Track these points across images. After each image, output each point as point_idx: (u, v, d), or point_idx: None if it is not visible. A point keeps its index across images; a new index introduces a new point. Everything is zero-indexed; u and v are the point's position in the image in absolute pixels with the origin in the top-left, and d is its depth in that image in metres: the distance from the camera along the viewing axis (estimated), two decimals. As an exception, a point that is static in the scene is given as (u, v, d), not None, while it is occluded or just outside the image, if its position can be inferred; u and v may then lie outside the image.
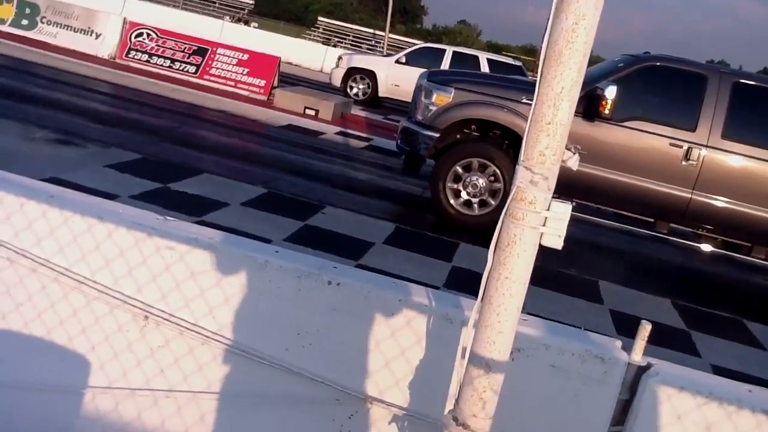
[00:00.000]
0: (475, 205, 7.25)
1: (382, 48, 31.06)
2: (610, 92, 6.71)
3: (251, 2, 43.20)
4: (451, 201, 7.26)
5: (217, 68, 14.08)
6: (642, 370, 2.27)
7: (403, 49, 28.36)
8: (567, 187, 7.16)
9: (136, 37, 14.36)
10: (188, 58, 14.19)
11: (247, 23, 33.33)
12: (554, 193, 6.54)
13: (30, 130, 7.49)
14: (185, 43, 14.30)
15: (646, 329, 2.27)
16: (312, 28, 41.64)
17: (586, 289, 6.42)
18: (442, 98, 7.34)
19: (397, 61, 17.72)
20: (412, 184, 8.90)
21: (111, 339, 2.45)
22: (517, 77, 11.63)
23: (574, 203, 7.38)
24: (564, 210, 1.67)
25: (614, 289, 6.59)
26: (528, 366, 2.26)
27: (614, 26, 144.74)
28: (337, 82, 17.99)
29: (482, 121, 7.22)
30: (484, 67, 17.30)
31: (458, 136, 7.41)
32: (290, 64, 23.62)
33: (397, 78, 17.28)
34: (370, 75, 17.85)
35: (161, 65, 14.17)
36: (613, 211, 7.68)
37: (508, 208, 1.68)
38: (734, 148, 6.96)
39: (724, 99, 6.98)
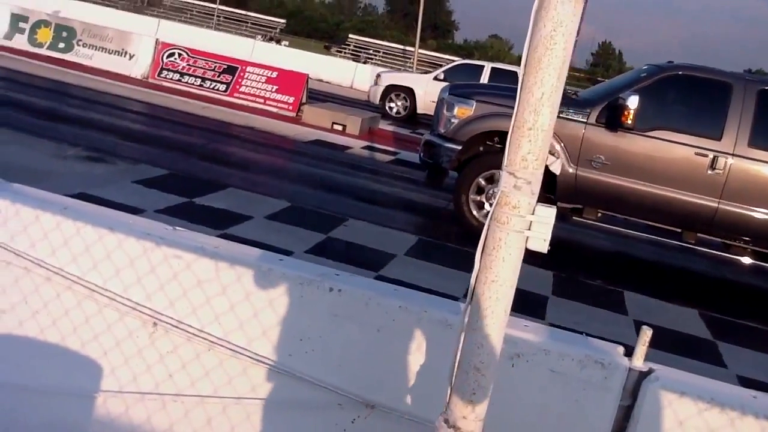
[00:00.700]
0: None
1: (412, 64, 31.21)
2: (633, 102, 6.67)
3: (283, 21, 43.97)
4: (474, 213, 7.27)
5: (247, 86, 14.31)
6: (643, 375, 2.26)
7: (434, 64, 28.53)
8: (593, 197, 7.19)
9: (167, 57, 14.68)
10: (218, 76, 14.46)
11: (278, 42, 33.81)
12: (580, 204, 6.57)
13: (63, 148, 7.72)
14: (215, 62, 14.57)
15: (647, 334, 2.27)
16: (343, 45, 42.09)
17: (610, 300, 6.37)
18: (463, 111, 7.38)
19: (435, 78, 17.81)
20: (437, 197, 8.92)
21: (122, 345, 2.52)
22: None
23: (572, 212, 7.36)
24: (548, 214, 1.69)
25: (640, 299, 6.51)
26: (528, 371, 2.27)
27: (645, 35, 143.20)
28: (375, 99, 18.23)
29: (504, 133, 7.22)
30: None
31: (481, 149, 7.42)
32: (321, 81, 23.89)
33: (435, 95, 17.26)
34: (408, 92, 18.05)
35: (192, 84, 14.46)
36: (639, 221, 7.60)
37: (493, 212, 1.71)
38: (761, 156, 6.85)
39: (749, 107, 6.88)
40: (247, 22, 42.61)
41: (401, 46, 39.86)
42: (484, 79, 17.34)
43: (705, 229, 7.15)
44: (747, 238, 7.13)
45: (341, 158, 10.90)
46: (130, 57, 15.00)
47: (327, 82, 24.47)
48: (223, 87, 14.37)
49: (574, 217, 7.38)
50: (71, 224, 2.53)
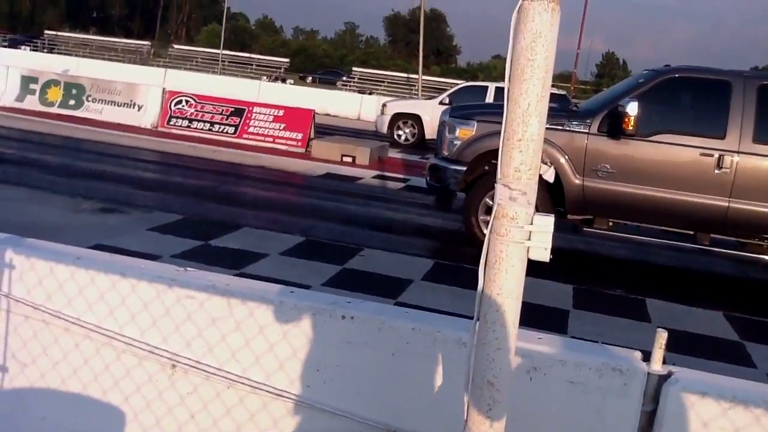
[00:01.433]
0: None
1: (417, 91, 31.43)
2: (632, 108, 6.68)
3: (287, 61, 44.55)
4: (485, 231, 7.25)
5: (255, 126, 14.48)
6: (663, 379, 2.24)
7: (438, 89, 28.71)
8: (602, 207, 7.17)
9: (175, 104, 14.92)
10: (226, 119, 14.65)
11: (283, 81, 34.28)
12: (590, 215, 6.55)
13: (77, 202, 7.84)
14: (222, 106, 14.79)
15: (662, 337, 2.25)
16: (347, 78, 42.53)
17: (633, 309, 6.30)
18: (465, 132, 7.43)
19: (441, 103, 17.94)
20: (450, 220, 8.93)
21: (142, 389, 2.55)
22: None
23: (576, 220, 7.32)
24: (547, 223, 1.70)
25: (662, 305, 6.44)
26: (546, 384, 2.26)
27: (656, 43, 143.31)
28: (383, 128, 18.38)
29: None
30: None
31: (486, 168, 7.45)
32: (328, 115, 24.13)
33: None
34: (415, 119, 18.19)
35: (201, 129, 14.66)
36: (653, 228, 7.55)
37: (492, 225, 1.73)
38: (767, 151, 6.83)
39: (751, 103, 6.87)
40: (252, 65, 43.21)
41: (405, 74, 40.23)
42: (489, 98, 17.43)
43: (718, 229, 7.09)
44: (762, 234, 7.05)
45: (353, 189, 10.96)
46: (139, 108, 15.26)
47: (334, 116, 24.70)
48: (231, 129, 14.55)
49: (585, 228, 7.35)
50: (85, 273, 2.57)
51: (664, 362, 2.29)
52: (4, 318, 2.69)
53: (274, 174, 11.80)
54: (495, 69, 73.58)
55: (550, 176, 6.98)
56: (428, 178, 8.00)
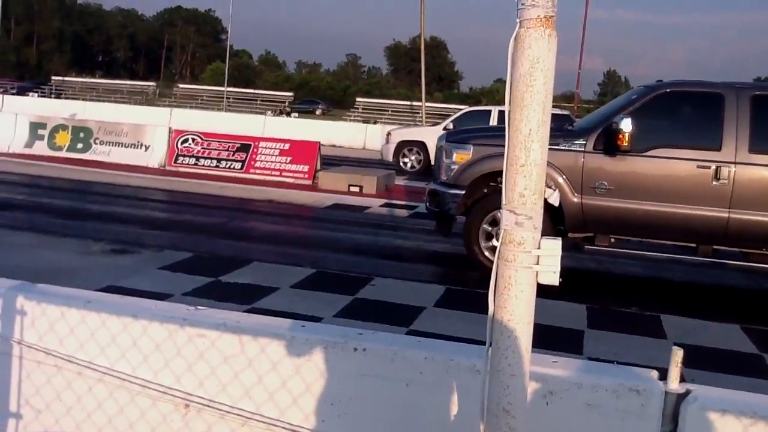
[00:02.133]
0: None
1: (421, 118, 31.63)
2: (626, 125, 6.72)
3: (290, 95, 45.08)
4: (487, 254, 7.27)
5: (262, 161, 14.59)
6: (681, 397, 2.21)
7: (442, 116, 28.89)
8: (602, 224, 7.15)
9: (182, 143, 15.06)
10: (233, 155, 14.77)
11: (288, 114, 34.59)
12: (591, 232, 6.52)
13: (88, 244, 7.88)
14: (228, 142, 14.92)
15: (678, 354, 2.22)
16: (351, 109, 42.88)
17: (648, 326, 6.25)
18: (462, 156, 7.48)
19: (445, 128, 18.03)
20: (459, 245, 8.90)
21: (157, 431, 2.53)
22: None
23: (582, 241, 7.30)
24: (554, 246, 1.70)
25: (678, 321, 6.38)
26: (562, 408, 2.24)
27: (657, 60, 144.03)
28: (389, 157, 18.48)
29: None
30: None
31: (485, 190, 7.47)
32: (334, 146, 24.29)
33: None
34: (420, 146, 18.28)
35: (209, 166, 14.77)
36: (664, 243, 7.51)
37: (499, 251, 1.73)
38: (764, 160, 6.83)
39: (744, 114, 6.89)
40: (257, 100, 43.69)
41: (408, 102, 40.54)
42: (493, 121, 17.54)
43: (720, 240, 7.06)
44: (765, 244, 7.01)
45: (361, 219, 10.98)
46: (146, 148, 15.40)
47: (340, 147, 24.87)
48: (238, 165, 14.66)
49: (587, 246, 7.33)
50: (96, 317, 2.58)
51: (683, 379, 2.26)
52: (17, 365, 2.69)
53: (283, 207, 11.84)
54: (498, 93, 74.00)
55: (555, 200, 6.98)
56: (427, 204, 8.04)
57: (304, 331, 2.47)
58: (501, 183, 6.37)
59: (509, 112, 1.68)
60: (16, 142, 16.16)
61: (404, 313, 6.05)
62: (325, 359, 2.40)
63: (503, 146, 1.72)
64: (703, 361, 5.32)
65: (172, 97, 47.25)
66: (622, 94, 8.57)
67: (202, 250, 7.98)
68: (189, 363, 2.51)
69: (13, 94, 40.86)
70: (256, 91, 47.88)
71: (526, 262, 1.69)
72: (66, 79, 55.25)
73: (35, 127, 16.33)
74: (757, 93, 7.03)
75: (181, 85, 53.04)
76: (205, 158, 14.85)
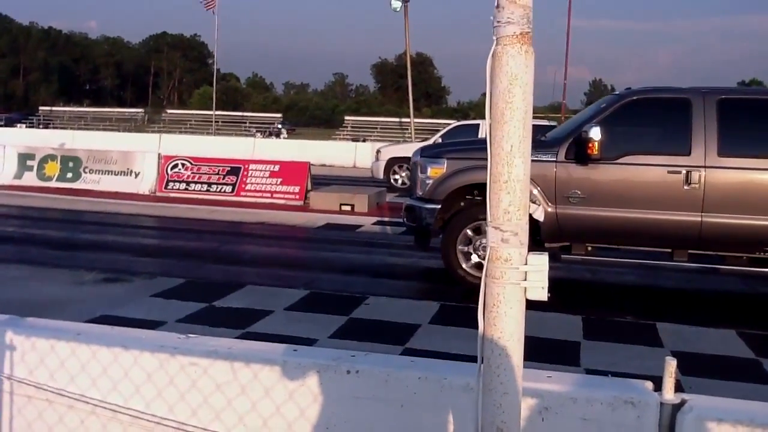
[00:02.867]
0: None
1: (410, 134, 31.73)
2: (595, 133, 6.78)
3: (279, 116, 45.19)
4: (465, 267, 7.33)
5: (252, 183, 14.58)
6: (677, 408, 2.20)
7: (431, 131, 28.98)
8: (577, 233, 7.18)
9: (171, 168, 15.05)
10: (223, 179, 14.76)
11: (277, 135, 34.66)
12: (567, 242, 6.53)
13: (79, 274, 7.82)
14: (218, 166, 14.92)
15: (672, 365, 2.22)
16: (340, 128, 43.01)
17: (644, 335, 6.23)
18: (436, 170, 7.54)
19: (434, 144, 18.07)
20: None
21: (151, 462, 2.50)
22: None
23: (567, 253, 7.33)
24: (541, 261, 1.70)
25: (674, 329, 6.37)
26: (558, 423, 2.23)
27: (641, 69, 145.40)
28: (379, 174, 18.49)
29: (479, 184, 7.30)
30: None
31: (462, 204, 7.50)
32: (324, 165, 24.31)
33: None
34: (410, 162, 18.26)
35: (199, 190, 14.76)
36: (658, 251, 7.52)
37: (486, 269, 1.72)
38: (733, 163, 6.90)
39: (712, 118, 6.96)
40: (245, 123, 43.76)
41: (397, 119, 40.69)
42: (481, 135, 17.59)
43: (694, 244, 7.09)
44: (739, 246, 7.05)
45: (353, 238, 10.97)
46: (136, 175, 15.38)
47: (330, 166, 24.89)
48: (229, 188, 14.65)
49: (563, 256, 7.35)
50: (86, 349, 2.56)
51: (680, 388, 2.25)
52: (7, 400, 2.66)
53: (274, 229, 11.82)
54: (485, 107, 74.34)
55: (539, 215, 7.01)
56: (404, 219, 8.07)
57: (296, 355, 2.46)
58: (477, 196, 6.47)
59: (490, 129, 1.69)
60: (5, 174, 16.11)
61: (400, 331, 6.02)
62: (319, 383, 2.38)
63: (477, 159, 1.73)
64: (700, 369, 5.31)
65: (160, 123, 47.27)
66: (594, 103, 8.67)
67: (194, 275, 7.94)
68: (181, 392, 2.49)
69: (1, 125, 40.82)
70: (245, 114, 47.97)
71: (513, 279, 1.68)
72: (54, 109, 55.22)
73: (24, 158, 16.30)
74: (724, 97, 7.12)
75: (169, 111, 53.08)
76: (196, 183, 14.84)
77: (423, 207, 7.63)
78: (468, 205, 7.48)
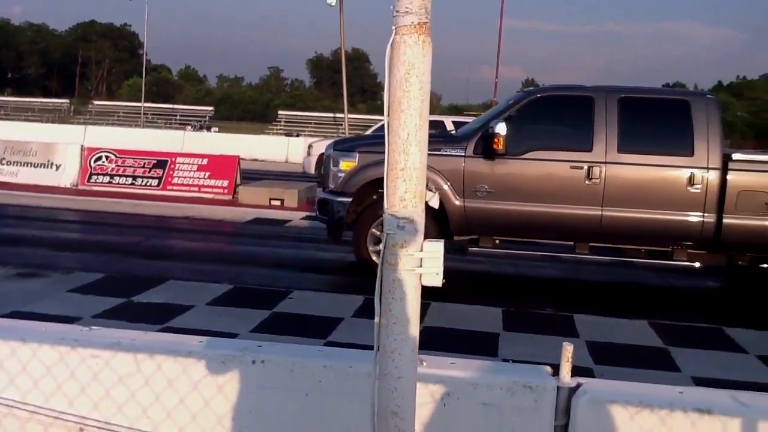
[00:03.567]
0: None
1: (344, 130, 31.68)
2: (501, 129, 7.01)
3: (211, 109, 44.33)
4: (375, 259, 7.40)
5: (179, 177, 14.28)
6: (572, 391, 2.28)
7: (366, 127, 29.01)
8: (484, 226, 7.36)
9: (95, 161, 14.59)
10: (149, 172, 14.40)
11: (208, 129, 34.03)
12: (474, 235, 6.67)
13: (-9, 269, 7.51)
14: (144, 159, 14.54)
15: (568, 350, 2.30)
16: (273, 123, 42.55)
17: (562, 326, 6.42)
18: (348, 164, 7.59)
19: None
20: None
21: (50, 458, 2.43)
22: None
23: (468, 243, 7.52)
24: (436, 248, 1.73)
25: (590, 320, 6.58)
26: (460, 408, 2.28)
27: (575, 70, 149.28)
28: (311, 169, 18.41)
29: None
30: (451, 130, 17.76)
31: (374, 197, 7.58)
32: (256, 160, 24.03)
33: None
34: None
35: (124, 184, 14.35)
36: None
37: (383, 255, 1.74)
38: (631, 159, 7.22)
39: (612, 115, 7.27)
40: (176, 115, 42.77)
41: (332, 114, 40.54)
42: None
43: (595, 237, 7.39)
44: (636, 239, 7.39)
45: (282, 232, 10.89)
46: (57, 167, 14.84)
47: (262, 161, 24.62)
48: (155, 182, 14.30)
49: (471, 249, 7.53)
50: (-19, 343, 2.46)
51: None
52: None
53: (201, 223, 11.62)
54: (420, 103, 74.82)
55: (435, 202, 7.11)
56: (317, 212, 8.09)
57: (202, 346, 2.43)
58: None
59: (387, 117, 1.71)
60: None
61: (323, 325, 6.02)
62: (224, 374, 2.36)
63: None
64: (613, 358, 5.52)
65: (87, 114, 45.71)
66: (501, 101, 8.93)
67: (114, 270, 7.73)
68: (83, 385, 2.43)
69: None
70: (175, 106, 46.86)
71: (409, 265, 1.71)
72: (-28, 97, 52.73)
73: (-65, 148, 15.50)
74: (624, 95, 7.44)
75: (96, 102, 51.37)
76: (120, 176, 14.43)
77: (335, 200, 7.67)
78: (379, 198, 7.55)
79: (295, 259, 8.96)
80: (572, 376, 2.28)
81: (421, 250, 1.73)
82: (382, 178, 6.55)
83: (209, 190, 14.06)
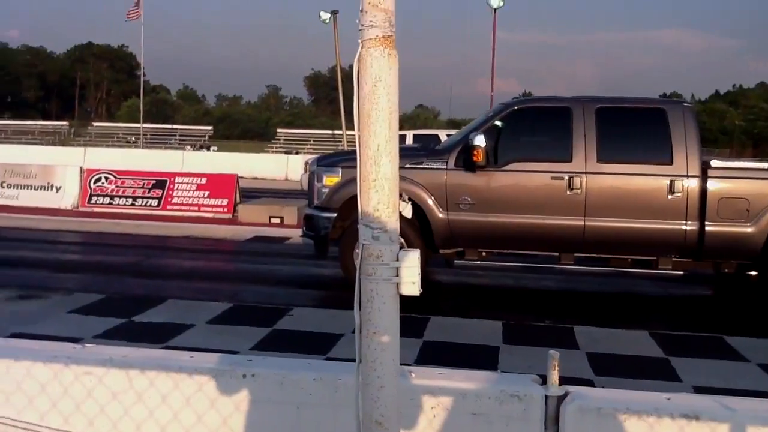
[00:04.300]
0: None
1: (343, 146, 31.80)
2: (480, 141, 7.04)
3: (209, 128, 44.54)
4: None
5: (179, 197, 14.35)
6: (561, 399, 2.31)
7: (362, 142, 29.06)
8: (469, 239, 7.37)
9: (95, 182, 14.67)
10: (149, 192, 14.48)
11: (207, 149, 34.17)
12: (460, 247, 6.72)
13: (-8, 292, 7.54)
14: (143, 179, 14.62)
15: (555, 359, 2.33)
16: (273, 141, 42.73)
17: (562, 338, 6.42)
18: (331, 179, 7.63)
19: None
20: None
21: (44, 477, 2.45)
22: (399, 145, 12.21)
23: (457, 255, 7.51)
24: (412, 257, 1.76)
25: (589, 331, 6.58)
26: (449, 419, 2.30)
27: (568, 80, 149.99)
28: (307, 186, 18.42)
29: None
30: None
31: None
32: (256, 178, 24.11)
33: None
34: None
35: (124, 205, 14.42)
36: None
37: (360, 266, 1.78)
38: (611, 169, 7.23)
39: (591, 126, 7.29)
40: (175, 135, 42.97)
41: (330, 131, 40.71)
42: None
43: (579, 247, 7.38)
44: (620, 249, 7.37)
45: (281, 250, 10.92)
46: (57, 189, 14.92)
47: (262, 179, 24.69)
48: (155, 202, 14.37)
49: (456, 261, 7.53)
50: (-26, 363, 2.49)
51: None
52: None
53: (201, 242, 11.65)
54: (418, 118, 75.19)
55: (408, 212, 7.15)
56: (304, 228, 8.09)
57: (193, 362, 2.46)
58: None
59: (358, 130, 1.75)
60: None
61: (323, 341, 6.04)
62: (216, 388, 2.39)
63: None
64: (614, 369, 5.52)
65: (86, 136, 45.93)
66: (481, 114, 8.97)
67: (114, 291, 7.76)
68: (77, 402, 2.46)
69: None
70: (174, 127, 47.09)
71: (386, 275, 1.74)
72: (-29, 122, 53.01)
73: (-64, 173, 15.58)
74: (601, 106, 7.46)
75: (95, 123, 51.61)
76: (120, 197, 14.50)
77: (320, 216, 7.71)
78: None
79: (294, 276, 8.99)
80: (569, 385, 2.30)
81: (397, 260, 1.76)
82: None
83: (209, 209, 14.12)
